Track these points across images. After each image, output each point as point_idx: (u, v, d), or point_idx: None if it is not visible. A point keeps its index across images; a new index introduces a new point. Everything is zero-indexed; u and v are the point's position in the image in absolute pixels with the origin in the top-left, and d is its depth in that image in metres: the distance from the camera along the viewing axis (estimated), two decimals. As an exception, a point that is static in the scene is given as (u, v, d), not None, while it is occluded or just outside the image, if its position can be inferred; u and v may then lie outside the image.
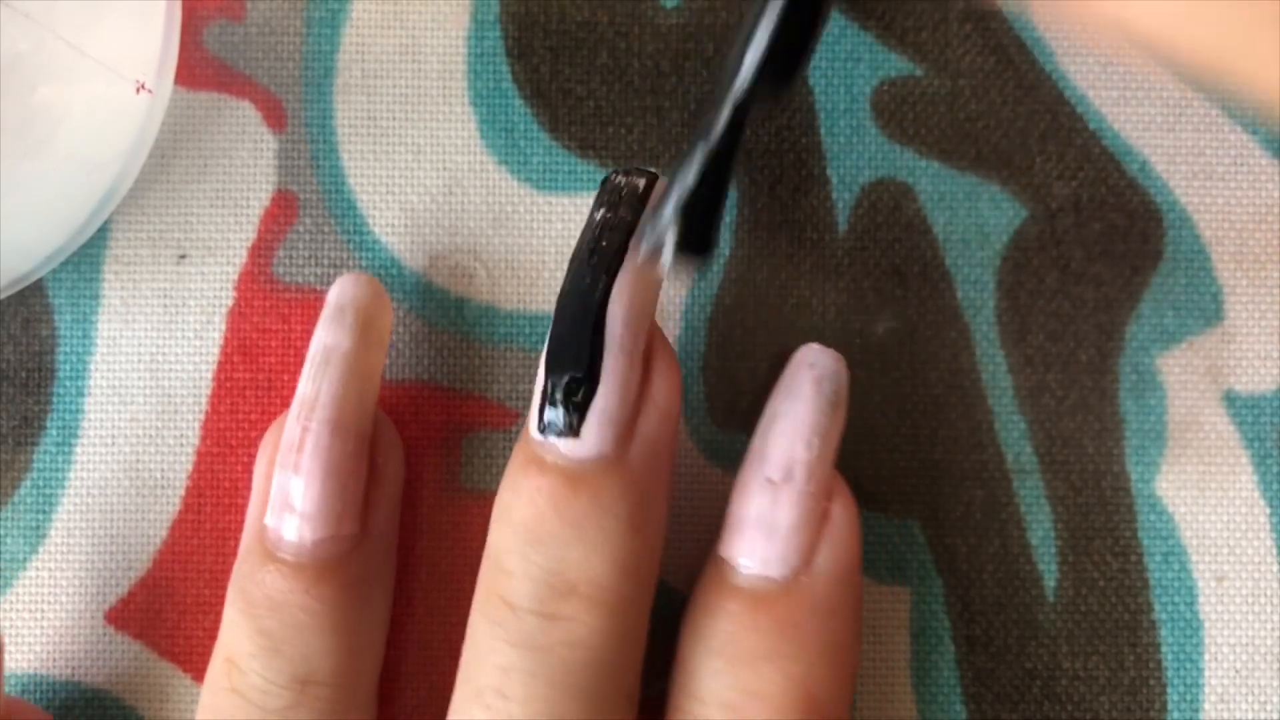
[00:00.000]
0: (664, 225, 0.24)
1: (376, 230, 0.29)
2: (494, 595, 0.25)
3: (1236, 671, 0.29)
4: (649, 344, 0.26)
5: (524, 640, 0.25)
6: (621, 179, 0.26)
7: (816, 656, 0.25)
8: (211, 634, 0.28)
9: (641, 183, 0.26)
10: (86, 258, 0.29)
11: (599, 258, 0.25)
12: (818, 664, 0.25)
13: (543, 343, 0.29)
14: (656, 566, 0.26)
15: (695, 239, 0.24)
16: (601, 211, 0.25)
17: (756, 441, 0.26)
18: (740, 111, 0.24)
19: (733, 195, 0.29)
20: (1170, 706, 0.29)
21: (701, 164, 0.23)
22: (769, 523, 0.26)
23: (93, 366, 0.29)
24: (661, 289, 0.28)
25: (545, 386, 0.25)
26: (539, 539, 0.25)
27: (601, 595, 0.25)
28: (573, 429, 0.25)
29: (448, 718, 0.26)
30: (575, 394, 0.25)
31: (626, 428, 0.25)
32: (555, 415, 0.25)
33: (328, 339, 0.26)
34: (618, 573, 0.25)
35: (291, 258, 0.29)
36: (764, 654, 0.25)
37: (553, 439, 0.25)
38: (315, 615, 0.26)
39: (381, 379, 0.28)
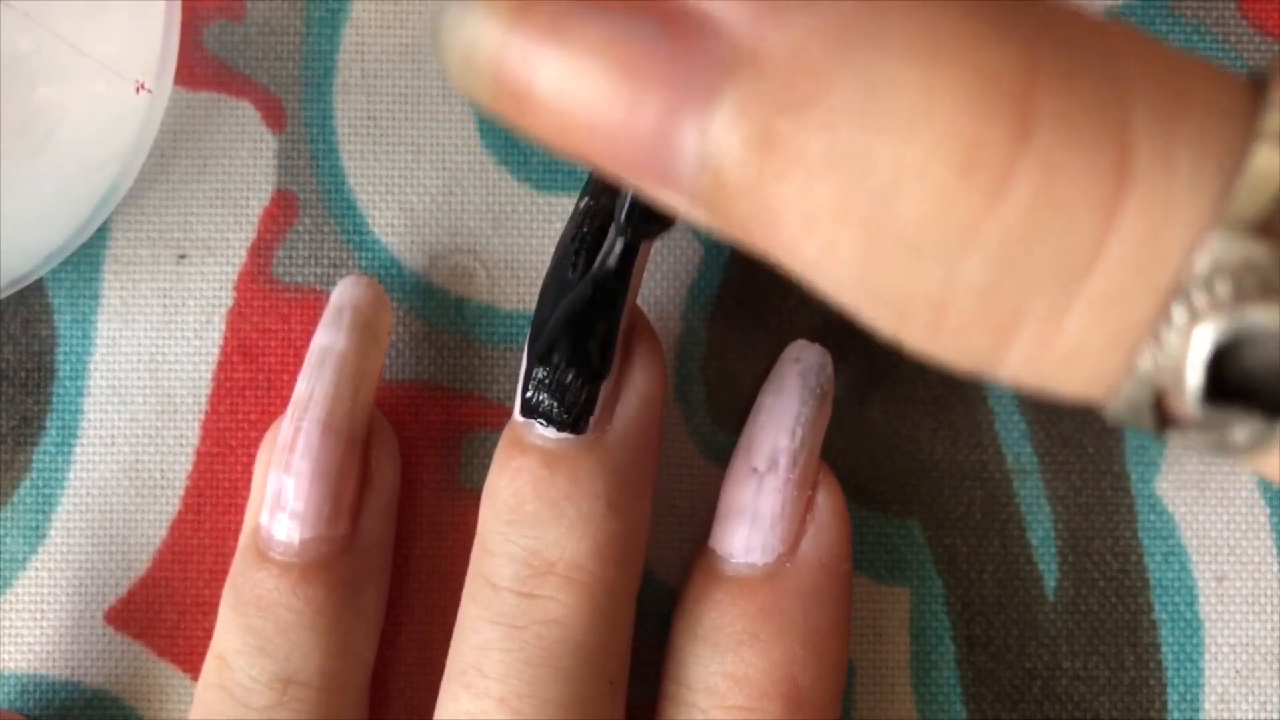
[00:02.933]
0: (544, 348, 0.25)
1: (376, 230, 0.29)
2: (478, 575, 0.26)
3: (1236, 671, 0.29)
4: (631, 328, 0.26)
5: (503, 619, 0.25)
6: None
7: (799, 643, 0.26)
8: (211, 634, 0.28)
9: None
10: (86, 258, 0.29)
11: (579, 244, 0.26)
12: (801, 650, 0.26)
13: (543, 343, 0.29)
14: (640, 552, 0.26)
15: (582, 358, 0.25)
16: (585, 200, 0.26)
17: (744, 434, 0.27)
18: (629, 251, 0.25)
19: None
20: (1170, 706, 0.29)
21: (591, 291, 0.25)
22: (753, 511, 0.26)
23: (92, 366, 0.29)
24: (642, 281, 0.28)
25: (528, 369, 0.25)
26: (519, 519, 0.25)
27: (579, 575, 0.25)
28: (556, 409, 0.25)
29: (438, 698, 0.26)
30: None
31: (604, 410, 0.25)
32: (537, 397, 0.25)
33: (324, 340, 0.27)
34: (596, 554, 0.25)
35: (291, 258, 0.29)
36: (746, 639, 0.26)
37: (533, 420, 0.25)
38: (301, 615, 0.26)
39: (379, 380, 0.28)
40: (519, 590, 0.25)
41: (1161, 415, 0.16)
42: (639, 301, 0.28)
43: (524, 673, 0.25)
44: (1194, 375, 0.16)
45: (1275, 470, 0.17)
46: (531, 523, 0.25)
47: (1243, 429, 0.16)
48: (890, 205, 0.16)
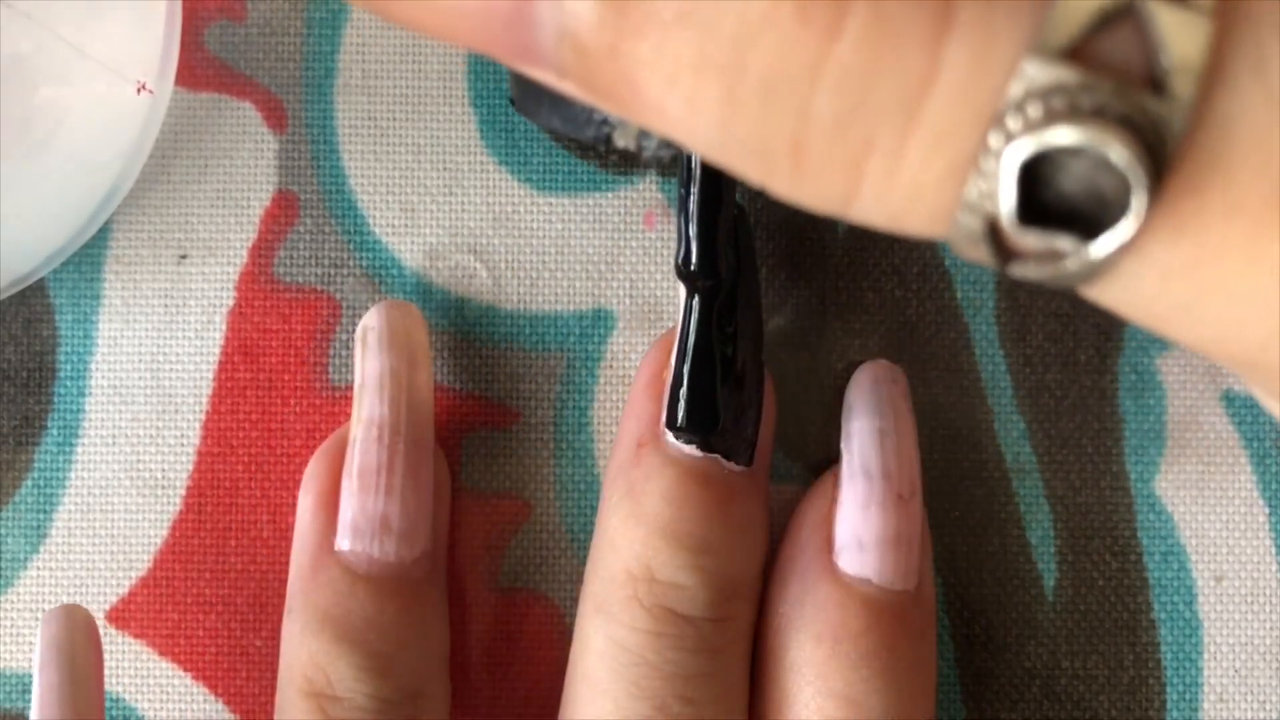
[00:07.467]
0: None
1: (377, 230, 0.29)
2: (657, 606, 0.26)
3: (1235, 671, 0.29)
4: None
5: (703, 645, 0.26)
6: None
7: (906, 677, 0.26)
8: (212, 633, 0.28)
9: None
10: (87, 258, 0.29)
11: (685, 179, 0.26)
12: (906, 685, 0.26)
13: (543, 343, 0.29)
14: None
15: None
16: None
17: (863, 455, 0.27)
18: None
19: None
20: (1169, 706, 0.29)
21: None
22: (908, 537, 0.26)
23: (93, 366, 0.29)
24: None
25: (684, 386, 0.26)
26: (707, 547, 0.26)
27: (751, 593, 0.27)
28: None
29: None
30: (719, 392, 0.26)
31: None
32: (720, 440, 0.26)
33: (393, 363, 0.27)
34: (761, 567, 0.27)
35: (292, 258, 0.29)
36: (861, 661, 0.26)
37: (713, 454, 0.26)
38: (417, 629, 0.26)
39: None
40: (713, 616, 0.26)
41: (1001, 249, 0.17)
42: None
43: (720, 695, 0.26)
44: (1007, 195, 0.16)
45: (1114, 300, 0.17)
46: (720, 549, 0.26)
47: (1074, 258, 0.17)
48: (741, 54, 0.16)
